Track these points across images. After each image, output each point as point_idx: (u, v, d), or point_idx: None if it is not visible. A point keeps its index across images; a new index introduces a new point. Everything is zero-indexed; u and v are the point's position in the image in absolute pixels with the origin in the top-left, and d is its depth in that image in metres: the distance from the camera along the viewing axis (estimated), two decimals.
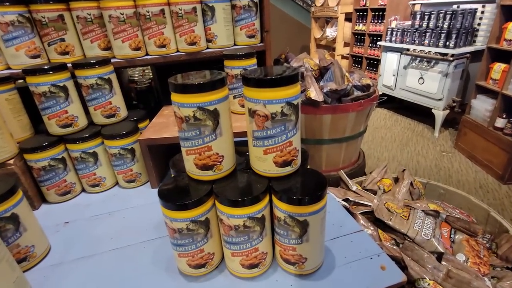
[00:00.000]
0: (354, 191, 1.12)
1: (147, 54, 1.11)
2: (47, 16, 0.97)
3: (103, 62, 0.93)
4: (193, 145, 0.59)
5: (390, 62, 3.93)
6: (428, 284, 0.76)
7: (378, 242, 0.90)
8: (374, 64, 4.46)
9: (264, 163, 0.61)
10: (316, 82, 1.22)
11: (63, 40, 1.01)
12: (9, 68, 1.00)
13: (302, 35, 6.00)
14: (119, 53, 1.06)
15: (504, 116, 2.55)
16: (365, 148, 3.37)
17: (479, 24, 3.22)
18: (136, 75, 2.15)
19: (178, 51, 1.13)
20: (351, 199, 1.07)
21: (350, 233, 0.77)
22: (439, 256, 0.86)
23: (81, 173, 0.97)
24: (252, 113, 0.57)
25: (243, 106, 1.05)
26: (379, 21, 4.25)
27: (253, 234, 0.60)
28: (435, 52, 3.28)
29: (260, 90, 0.55)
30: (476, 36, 3.26)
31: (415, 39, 3.54)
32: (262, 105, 0.55)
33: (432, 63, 3.35)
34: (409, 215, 0.94)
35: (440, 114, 3.42)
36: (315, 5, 5.22)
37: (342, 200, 1.09)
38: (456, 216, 1.01)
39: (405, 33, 3.66)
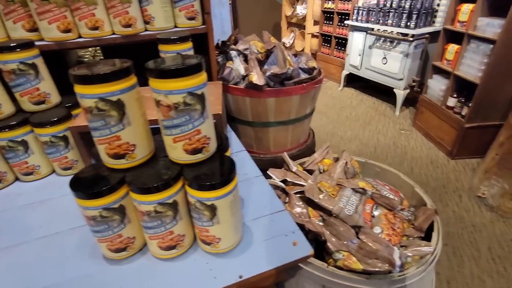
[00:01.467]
0: (294, 172, 1.18)
1: (80, 37, 1.07)
2: None
3: (25, 45, 0.89)
4: (101, 135, 0.60)
5: (356, 41, 3.98)
6: (343, 255, 0.84)
7: (307, 219, 0.97)
8: (342, 44, 4.49)
9: (175, 150, 0.63)
10: (258, 66, 1.23)
11: None
12: None
13: (275, 12, 5.88)
14: (47, 35, 1.01)
15: (455, 95, 2.70)
16: (330, 127, 3.47)
17: (438, 5, 3.30)
18: (87, 56, 2.06)
19: (114, 33, 1.10)
20: (289, 179, 1.13)
21: (272, 212, 0.82)
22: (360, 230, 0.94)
23: (12, 161, 0.95)
24: (157, 103, 0.58)
25: None
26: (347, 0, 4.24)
27: (166, 218, 0.63)
28: (397, 32, 3.35)
29: (161, 80, 0.56)
30: (435, 17, 3.35)
31: (379, 18, 3.58)
32: (164, 95, 0.56)
33: (394, 43, 3.43)
34: (337, 193, 1.01)
35: (401, 94, 3.55)
36: None
37: (281, 181, 1.15)
38: (382, 193, 1.09)
39: (371, 12, 3.69)
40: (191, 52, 1.02)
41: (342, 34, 4.43)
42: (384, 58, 3.61)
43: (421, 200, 1.12)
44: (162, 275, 0.66)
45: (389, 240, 0.89)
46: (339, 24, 4.49)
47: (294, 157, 1.48)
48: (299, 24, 5.25)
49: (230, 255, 0.69)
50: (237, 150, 1.12)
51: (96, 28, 1.04)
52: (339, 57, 4.63)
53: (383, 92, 4.11)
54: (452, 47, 2.75)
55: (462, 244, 1.91)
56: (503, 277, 1.68)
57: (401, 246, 0.90)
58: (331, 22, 4.61)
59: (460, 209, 2.19)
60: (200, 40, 1.21)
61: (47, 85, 0.97)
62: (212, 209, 0.62)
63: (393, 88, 3.62)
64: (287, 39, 5.53)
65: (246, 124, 1.40)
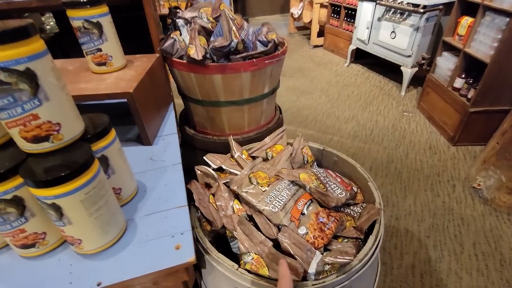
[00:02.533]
0: (235, 159, 1.07)
1: None
2: None
3: None
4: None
5: (365, 13, 3.63)
6: (252, 258, 0.74)
7: (229, 213, 0.87)
8: (352, 15, 4.12)
9: (15, 138, 0.53)
10: (199, 36, 1.08)
11: None
12: None
13: None
14: None
15: (463, 76, 2.42)
16: (328, 106, 3.27)
17: None
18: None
19: None
20: (224, 167, 1.02)
21: (170, 208, 0.72)
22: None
23: None
24: None
25: (100, 64, 0.93)
26: None
27: (9, 216, 0.54)
28: (408, 3, 3.00)
29: None
30: None
31: None
32: None
33: (404, 15, 3.09)
34: (270, 186, 0.90)
35: (408, 72, 3.25)
36: None
37: (217, 168, 1.04)
38: (327, 187, 0.96)
39: None
40: (107, 19, 0.88)
41: (351, 5, 4.06)
42: (393, 32, 3.28)
43: (372, 196, 0.99)
44: (19, 274, 0.59)
45: (313, 243, 0.78)
46: None
47: (251, 141, 1.36)
48: None
49: (98, 257, 0.61)
50: (167, 133, 1.01)
51: None
52: (347, 30, 4.28)
53: (392, 70, 3.79)
54: (466, 20, 2.42)
55: (445, 237, 1.77)
56: (482, 275, 1.55)
57: (326, 250, 0.79)
58: None
59: (451, 200, 2.02)
60: (137, 5, 1.07)
61: None
62: (56, 209, 0.52)
63: (400, 65, 3.32)
64: (296, 9, 5.17)
65: (196, 102, 1.27)
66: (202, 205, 0.88)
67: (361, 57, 4.19)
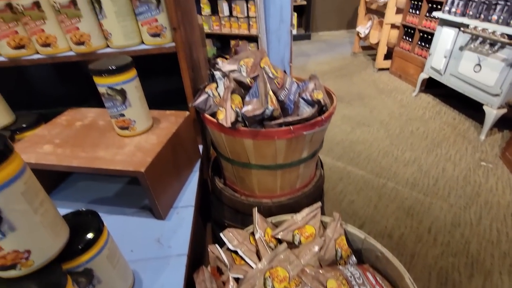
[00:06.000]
0: (255, 240, 0.92)
1: (37, 53, 0.98)
2: None
3: None
4: None
5: (444, 39, 3.17)
6: None
7: None
8: (428, 40, 3.66)
9: None
10: (233, 96, 0.96)
11: None
12: None
13: None
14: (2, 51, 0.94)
15: None
16: (387, 143, 2.92)
17: None
18: None
19: (71, 50, 0.97)
20: (240, 253, 0.88)
21: None
22: None
23: None
24: None
25: (123, 128, 0.88)
26: None
27: None
28: (503, 33, 2.51)
29: None
30: None
31: (481, 12, 2.74)
32: None
33: (496, 47, 2.60)
34: None
35: (492, 113, 2.73)
36: None
37: (233, 251, 0.91)
38: None
39: (470, 3, 2.85)
40: (132, 84, 0.82)
41: (429, 28, 3.61)
42: (478, 65, 2.80)
43: None
44: None
45: None
46: (427, 14, 3.65)
47: (283, 207, 1.20)
48: (379, 12, 4.48)
49: None
50: (185, 204, 0.92)
51: (47, 45, 0.93)
52: (420, 55, 3.82)
53: (472, 106, 3.24)
54: None
55: None
56: None
57: None
58: (417, 12, 3.78)
59: None
60: (172, 59, 1.00)
61: None
62: None
63: (483, 104, 2.81)
64: (363, 28, 4.82)
65: (226, 160, 1.17)
66: None
67: (433, 85, 3.68)
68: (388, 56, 4.42)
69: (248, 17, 3.14)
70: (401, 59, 4.16)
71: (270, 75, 0.98)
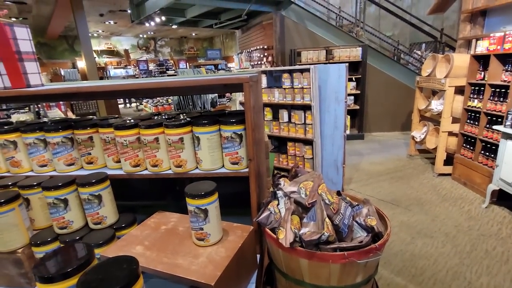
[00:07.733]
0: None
1: (146, 169, 1.30)
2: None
3: (97, 181, 1.15)
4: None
5: (510, 153, 3.07)
6: None
7: None
8: (492, 150, 3.55)
9: None
10: (292, 216, 1.10)
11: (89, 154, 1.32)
12: None
13: (411, 99, 5.39)
14: (124, 168, 1.28)
15: None
16: (456, 261, 2.63)
17: None
18: None
19: (171, 169, 1.27)
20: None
21: None
22: None
23: None
24: None
25: (200, 239, 1.07)
26: (501, 99, 3.45)
27: None
28: None
29: None
30: None
31: None
32: None
33: None
34: None
35: None
36: (421, 75, 4.73)
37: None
38: None
39: None
40: (214, 205, 1.04)
41: (491, 138, 3.55)
42: None
43: None
44: None
45: None
46: (487, 126, 3.64)
47: None
48: (433, 119, 4.60)
49: None
50: None
51: (155, 166, 1.24)
52: (486, 164, 3.65)
53: None
54: None
55: None
56: None
57: None
58: (476, 123, 3.80)
59: None
60: (244, 182, 1.23)
61: (106, 210, 1.20)
62: None
63: None
64: (418, 133, 4.90)
65: (280, 273, 1.24)
66: None
67: (507, 197, 3.38)
68: (448, 161, 4.30)
69: (305, 123, 3.56)
70: (464, 166, 4.01)
71: (327, 201, 1.13)
